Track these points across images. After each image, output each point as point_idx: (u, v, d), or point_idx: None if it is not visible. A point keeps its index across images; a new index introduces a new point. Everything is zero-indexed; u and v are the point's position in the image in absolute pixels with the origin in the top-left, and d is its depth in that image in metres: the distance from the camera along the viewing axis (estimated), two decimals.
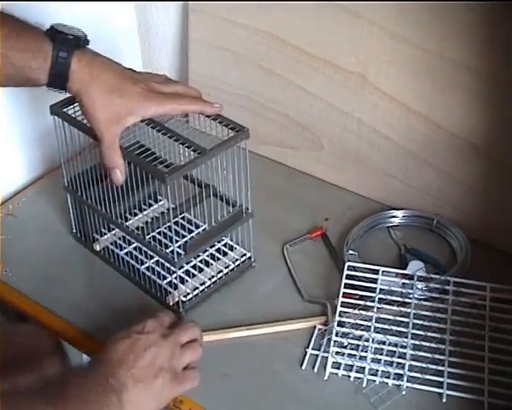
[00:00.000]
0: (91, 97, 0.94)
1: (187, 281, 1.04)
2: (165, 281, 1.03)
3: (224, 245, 1.08)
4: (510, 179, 1.06)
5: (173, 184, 0.93)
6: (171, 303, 1.02)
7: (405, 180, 1.17)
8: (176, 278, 1.00)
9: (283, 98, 1.26)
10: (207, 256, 1.07)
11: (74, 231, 1.13)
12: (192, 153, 0.96)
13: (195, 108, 1.00)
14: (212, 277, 1.04)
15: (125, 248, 1.08)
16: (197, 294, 1.03)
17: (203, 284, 1.04)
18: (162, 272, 1.04)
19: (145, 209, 1.13)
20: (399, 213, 1.16)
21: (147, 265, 1.05)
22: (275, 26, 1.22)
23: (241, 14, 1.25)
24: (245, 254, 1.08)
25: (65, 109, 1.02)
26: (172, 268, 1.00)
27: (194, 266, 1.06)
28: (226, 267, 1.06)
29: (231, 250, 1.08)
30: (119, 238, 1.09)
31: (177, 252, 0.98)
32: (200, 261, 1.06)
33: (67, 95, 0.99)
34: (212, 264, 1.06)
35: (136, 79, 0.98)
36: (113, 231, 1.10)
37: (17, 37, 0.92)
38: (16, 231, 1.17)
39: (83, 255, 1.12)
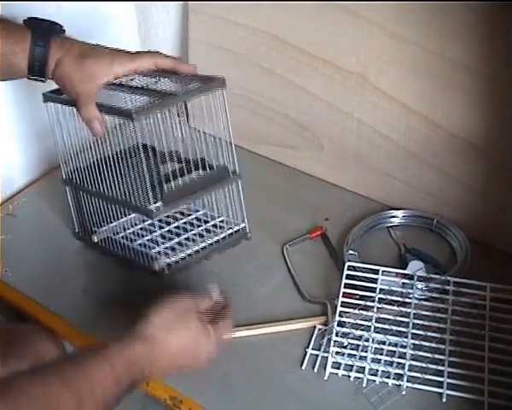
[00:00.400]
0: (65, 66, 0.98)
1: (175, 249, 1.06)
2: (154, 250, 1.05)
3: (221, 222, 1.09)
4: (510, 179, 1.06)
5: (141, 123, 0.94)
6: (156, 268, 1.02)
7: (405, 180, 1.17)
8: (157, 235, 1.03)
9: (283, 98, 1.26)
10: (202, 230, 1.08)
11: (75, 228, 1.13)
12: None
13: (167, 62, 1.01)
14: (204, 247, 1.06)
15: (120, 233, 1.10)
16: (185, 257, 1.04)
17: (196, 252, 1.05)
18: (151, 244, 1.06)
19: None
20: (399, 213, 1.16)
21: (139, 241, 1.07)
22: (275, 26, 1.22)
23: (241, 14, 1.25)
24: (238, 225, 1.08)
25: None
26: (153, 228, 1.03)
27: (187, 238, 1.07)
28: (217, 237, 1.07)
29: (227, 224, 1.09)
30: (117, 228, 1.10)
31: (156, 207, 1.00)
32: (195, 234, 1.07)
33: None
34: (203, 235, 1.07)
35: (107, 47, 1.01)
36: (112, 224, 1.10)
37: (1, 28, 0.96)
38: (16, 231, 1.17)
39: (83, 255, 1.13)
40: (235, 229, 1.08)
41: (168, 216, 1.11)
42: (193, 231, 1.09)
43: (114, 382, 0.78)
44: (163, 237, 1.08)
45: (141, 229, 1.11)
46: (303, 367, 0.94)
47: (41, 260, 1.12)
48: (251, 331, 0.99)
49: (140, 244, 1.08)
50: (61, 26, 1.01)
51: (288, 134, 1.28)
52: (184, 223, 1.11)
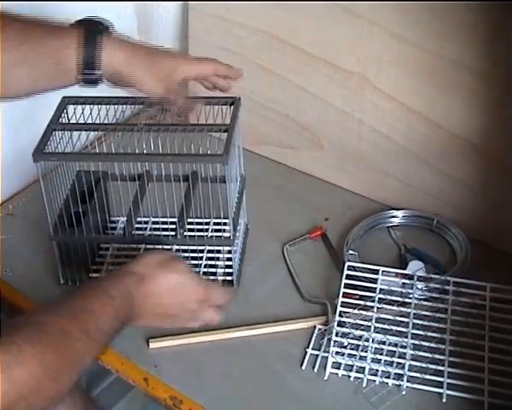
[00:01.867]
0: (133, 67, 0.96)
1: None
2: None
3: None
4: (510, 179, 1.06)
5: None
6: None
7: (405, 180, 1.17)
8: None
9: (283, 98, 1.26)
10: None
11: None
12: None
13: (225, 70, 1.03)
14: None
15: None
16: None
17: None
18: None
19: None
20: (399, 213, 1.16)
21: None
22: (275, 26, 1.22)
23: (241, 14, 1.25)
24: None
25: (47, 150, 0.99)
26: None
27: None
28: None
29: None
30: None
31: None
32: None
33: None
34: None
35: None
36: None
37: (44, 27, 0.94)
38: (16, 231, 1.17)
39: None
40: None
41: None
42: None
43: (113, 313, 0.83)
44: None
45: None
46: (303, 367, 0.94)
47: (41, 260, 1.12)
48: (251, 331, 0.99)
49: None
50: (109, 24, 0.99)
51: (287, 134, 1.28)
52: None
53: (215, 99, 1.04)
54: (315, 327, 0.99)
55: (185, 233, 1.02)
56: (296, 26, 1.20)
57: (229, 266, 1.04)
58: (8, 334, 0.71)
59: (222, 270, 1.05)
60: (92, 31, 0.96)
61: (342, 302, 0.99)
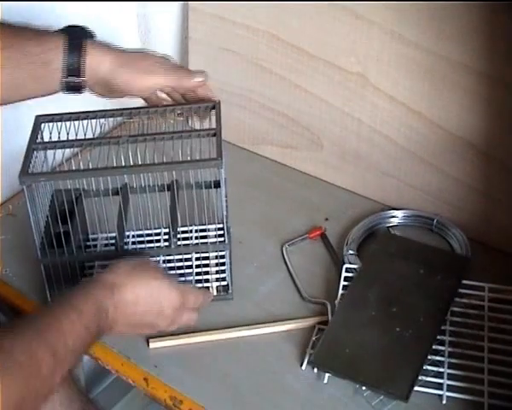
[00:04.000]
0: (120, 70, 0.97)
1: None
2: None
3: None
4: (510, 179, 1.07)
5: None
6: None
7: (405, 180, 1.17)
8: None
9: (283, 98, 1.26)
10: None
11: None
12: None
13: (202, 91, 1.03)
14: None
15: None
16: None
17: None
18: None
19: None
20: (399, 213, 1.16)
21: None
22: (275, 26, 1.22)
23: (241, 14, 1.25)
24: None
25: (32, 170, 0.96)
26: None
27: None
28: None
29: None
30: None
31: None
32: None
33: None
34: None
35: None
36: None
37: (28, 32, 0.94)
38: (16, 231, 1.17)
39: None
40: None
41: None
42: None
43: (83, 329, 0.81)
44: None
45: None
46: (303, 367, 0.94)
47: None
48: (250, 331, 0.99)
49: None
50: (92, 32, 0.99)
51: (288, 134, 1.28)
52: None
53: (195, 105, 1.03)
54: (315, 327, 0.99)
55: (178, 242, 1.01)
56: (296, 26, 1.20)
57: (222, 271, 1.03)
58: None
59: (216, 275, 1.04)
60: (77, 36, 0.95)
61: None
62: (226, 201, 1.01)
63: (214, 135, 0.97)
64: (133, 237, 1.06)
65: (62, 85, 0.96)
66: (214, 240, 1.02)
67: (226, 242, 1.01)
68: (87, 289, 0.85)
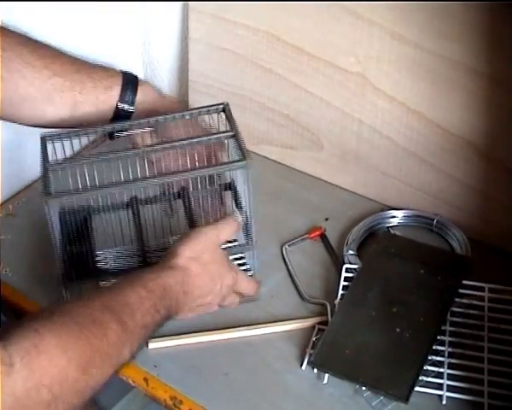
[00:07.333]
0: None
1: None
2: None
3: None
4: (510, 179, 1.07)
5: None
6: None
7: (405, 180, 1.17)
8: None
9: (283, 98, 1.26)
10: None
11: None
12: None
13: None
14: None
15: None
16: None
17: None
18: None
19: None
20: (399, 213, 1.16)
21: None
22: (275, 26, 1.22)
23: (241, 14, 1.25)
24: None
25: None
26: None
27: None
28: None
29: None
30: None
31: None
32: None
33: None
34: None
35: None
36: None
37: (87, 61, 1.00)
38: (16, 231, 1.17)
39: None
40: None
41: None
42: None
43: (152, 306, 0.82)
44: None
45: None
46: (303, 367, 0.94)
47: (41, 260, 1.12)
48: (251, 331, 0.99)
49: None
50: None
51: (288, 134, 1.28)
52: None
53: (204, 109, 1.02)
54: (314, 327, 0.99)
55: None
56: (296, 26, 1.20)
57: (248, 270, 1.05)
58: (31, 321, 0.70)
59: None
60: (130, 75, 1.02)
61: None
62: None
63: (232, 137, 0.98)
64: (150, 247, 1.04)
65: (117, 109, 1.00)
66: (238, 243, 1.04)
67: (254, 242, 1.02)
68: (156, 273, 0.87)
